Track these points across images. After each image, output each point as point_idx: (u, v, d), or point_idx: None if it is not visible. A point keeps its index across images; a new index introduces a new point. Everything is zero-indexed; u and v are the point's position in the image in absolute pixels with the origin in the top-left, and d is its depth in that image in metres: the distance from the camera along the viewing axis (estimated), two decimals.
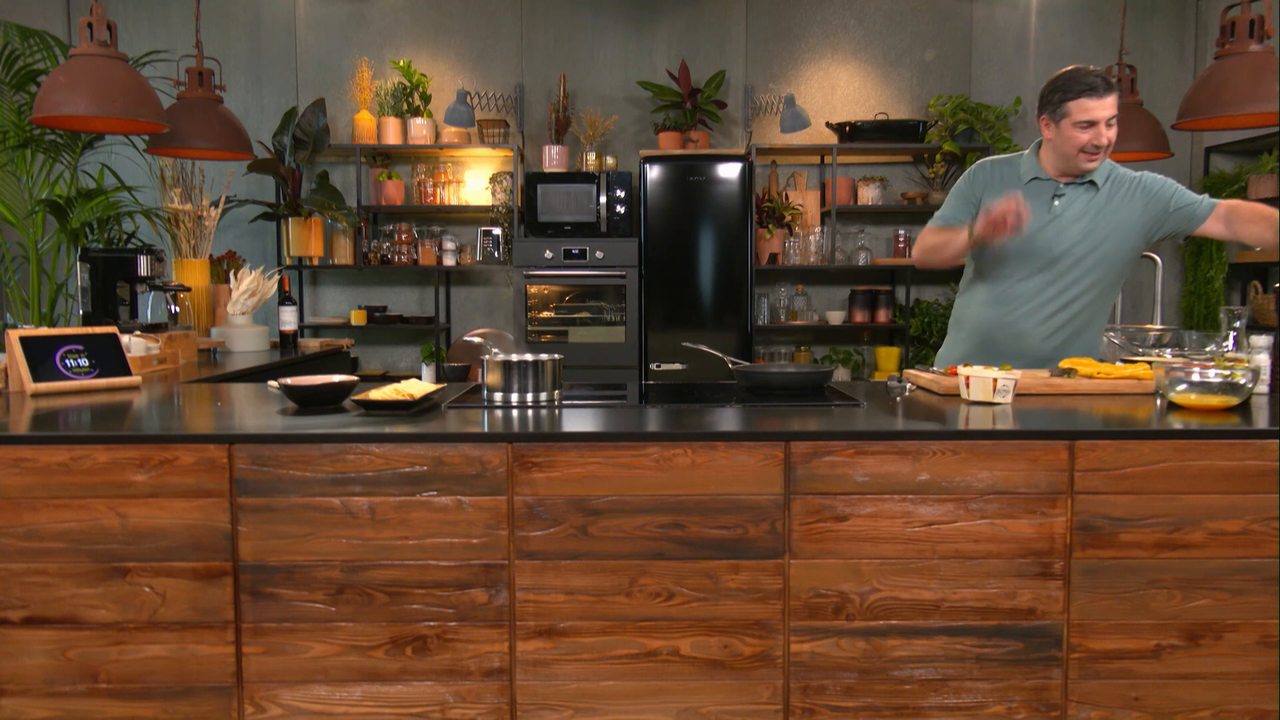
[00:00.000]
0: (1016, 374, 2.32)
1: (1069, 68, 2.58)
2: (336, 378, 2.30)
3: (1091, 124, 2.50)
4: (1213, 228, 2.60)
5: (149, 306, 3.64)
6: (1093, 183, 2.64)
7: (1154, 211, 2.62)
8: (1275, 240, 2.43)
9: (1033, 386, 2.43)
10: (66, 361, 2.53)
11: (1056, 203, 2.63)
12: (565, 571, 1.94)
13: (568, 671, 1.95)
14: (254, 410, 2.30)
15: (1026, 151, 2.75)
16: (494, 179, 5.57)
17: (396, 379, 2.75)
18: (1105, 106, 2.49)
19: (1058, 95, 2.53)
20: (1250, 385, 2.14)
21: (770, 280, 5.76)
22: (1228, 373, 2.12)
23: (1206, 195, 2.64)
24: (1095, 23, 5.62)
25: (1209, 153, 5.61)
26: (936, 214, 2.80)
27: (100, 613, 1.92)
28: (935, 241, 2.69)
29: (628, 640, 1.95)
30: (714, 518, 1.93)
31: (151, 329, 3.45)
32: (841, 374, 5.62)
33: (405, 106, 5.49)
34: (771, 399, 2.38)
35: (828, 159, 5.58)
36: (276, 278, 4.21)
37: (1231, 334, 2.52)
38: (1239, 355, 2.44)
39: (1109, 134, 2.53)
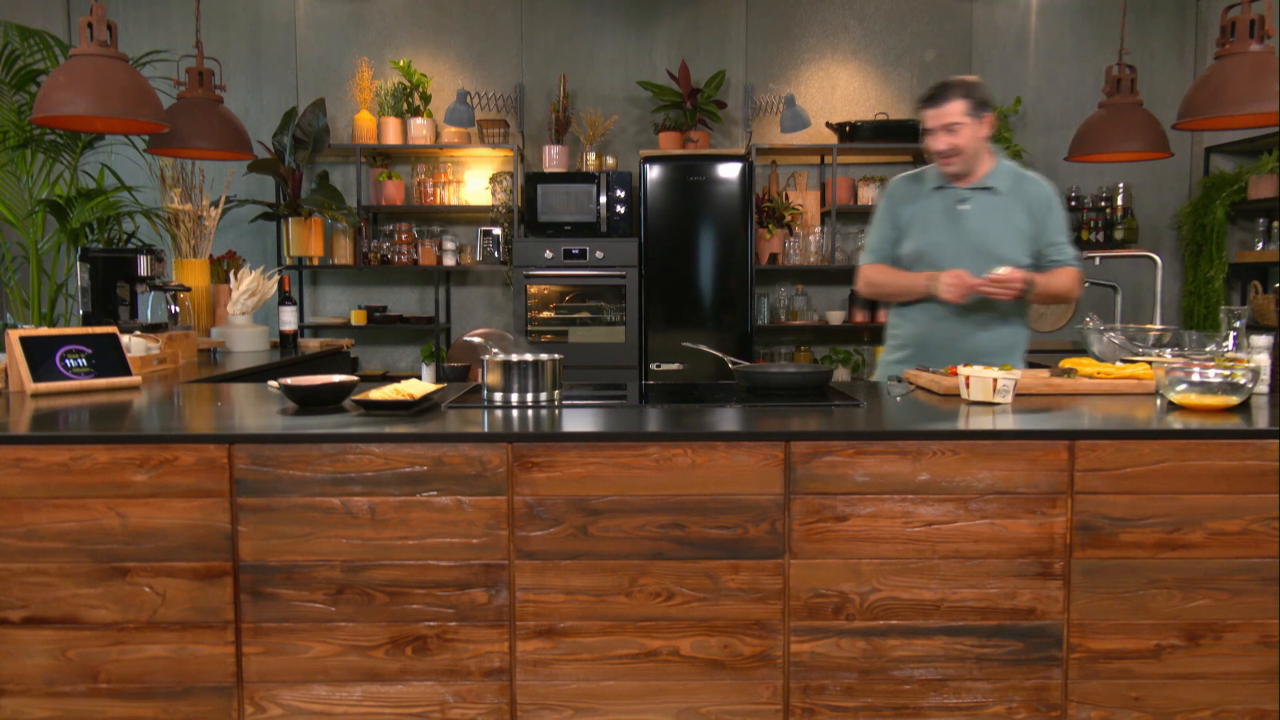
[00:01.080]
0: (1016, 374, 2.32)
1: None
2: (336, 378, 2.30)
3: (930, 130, 2.73)
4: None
5: (149, 306, 3.64)
6: (991, 188, 2.77)
7: (1032, 229, 2.76)
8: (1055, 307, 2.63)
9: (1033, 386, 2.43)
10: (66, 361, 2.53)
11: (960, 207, 2.78)
12: (565, 571, 1.94)
13: (568, 671, 1.95)
14: (254, 410, 2.30)
15: (931, 165, 2.90)
16: (494, 179, 5.57)
17: (396, 379, 2.75)
18: (940, 115, 2.70)
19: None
20: (1250, 385, 2.14)
21: (770, 280, 5.76)
22: (1228, 373, 2.12)
23: (1072, 251, 2.79)
24: (1095, 23, 5.62)
25: (1209, 153, 5.60)
26: (868, 244, 2.94)
27: (100, 613, 1.92)
28: (886, 287, 2.89)
29: (628, 640, 1.95)
30: (714, 518, 1.93)
31: (151, 329, 3.45)
32: (841, 374, 5.61)
33: (405, 106, 5.48)
34: (771, 399, 2.38)
35: (828, 159, 5.57)
36: (276, 278, 4.21)
37: (1231, 334, 2.52)
38: (1239, 355, 2.44)
39: (948, 139, 2.71)
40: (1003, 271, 2.59)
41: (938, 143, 2.72)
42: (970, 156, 2.75)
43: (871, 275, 2.88)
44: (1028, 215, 2.75)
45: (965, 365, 2.42)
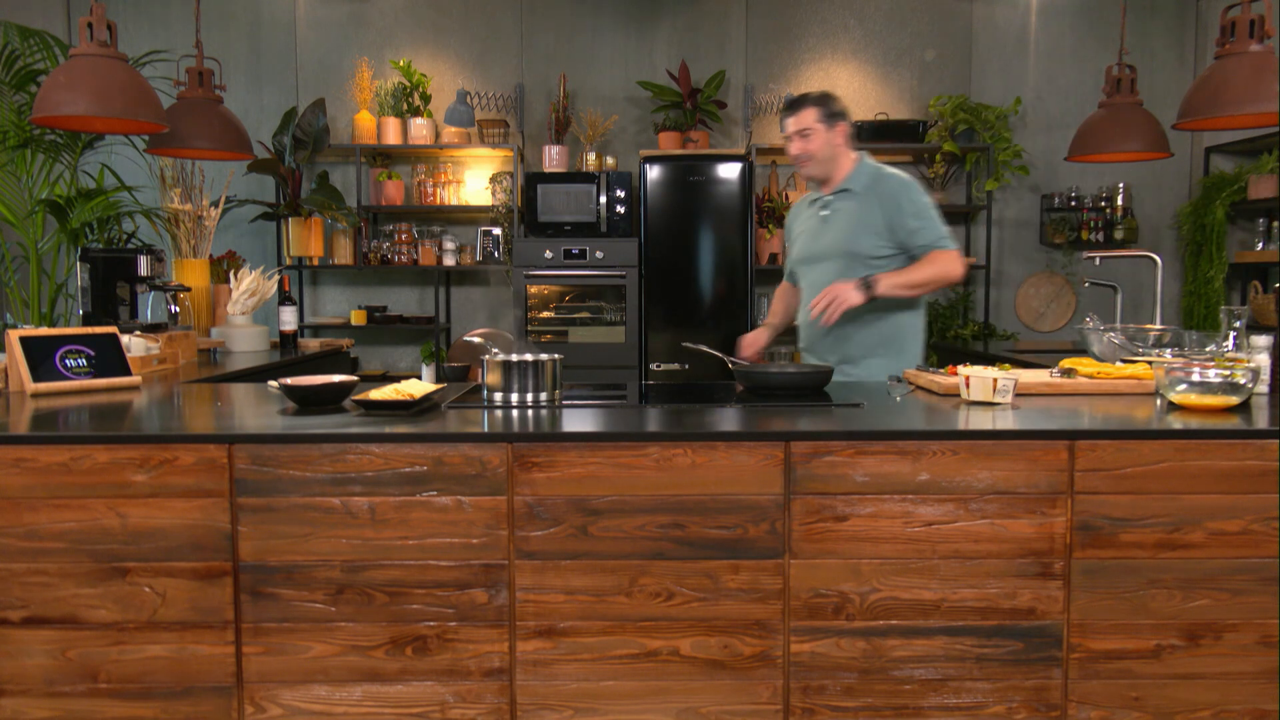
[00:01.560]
0: (1016, 374, 2.32)
1: None
2: (336, 378, 2.30)
3: (788, 138, 2.92)
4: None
5: (149, 306, 3.64)
6: (848, 189, 2.92)
7: (888, 222, 2.84)
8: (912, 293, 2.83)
9: (1033, 386, 2.43)
10: (66, 361, 2.53)
11: (823, 212, 2.98)
12: (565, 571, 1.94)
13: (568, 671, 1.95)
14: (254, 410, 2.30)
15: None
16: (494, 179, 5.57)
17: (396, 379, 2.75)
18: (795, 122, 2.89)
19: None
20: (1250, 385, 2.13)
21: (770, 280, 5.75)
22: (1228, 373, 2.12)
23: (938, 232, 2.83)
24: (1095, 23, 5.62)
25: (1209, 153, 5.61)
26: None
27: (100, 613, 1.92)
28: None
29: (628, 640, 1.95)
30: (714, 518, 1.93)
31: (151, 329, 3.45)
32: None
33: (405, 106, 5.48)
34: (771, 399, 2.38)
35: None
36: (276, 278, 4.21)
37: (1231, 334, 2.52)
38: (1239, 355, 2.44)
39: (802, 144, 2.89)
40: (820, 302, 2.73)
41: (793, 148, 2.91)
42: (824, 161, 2.91)
43: (776, 293, 3.30)
44: (882, 210, 2.84)
45: (965, 365, 2.42)
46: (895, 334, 2.94)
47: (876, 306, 2.82)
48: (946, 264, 2.79)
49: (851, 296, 2.70)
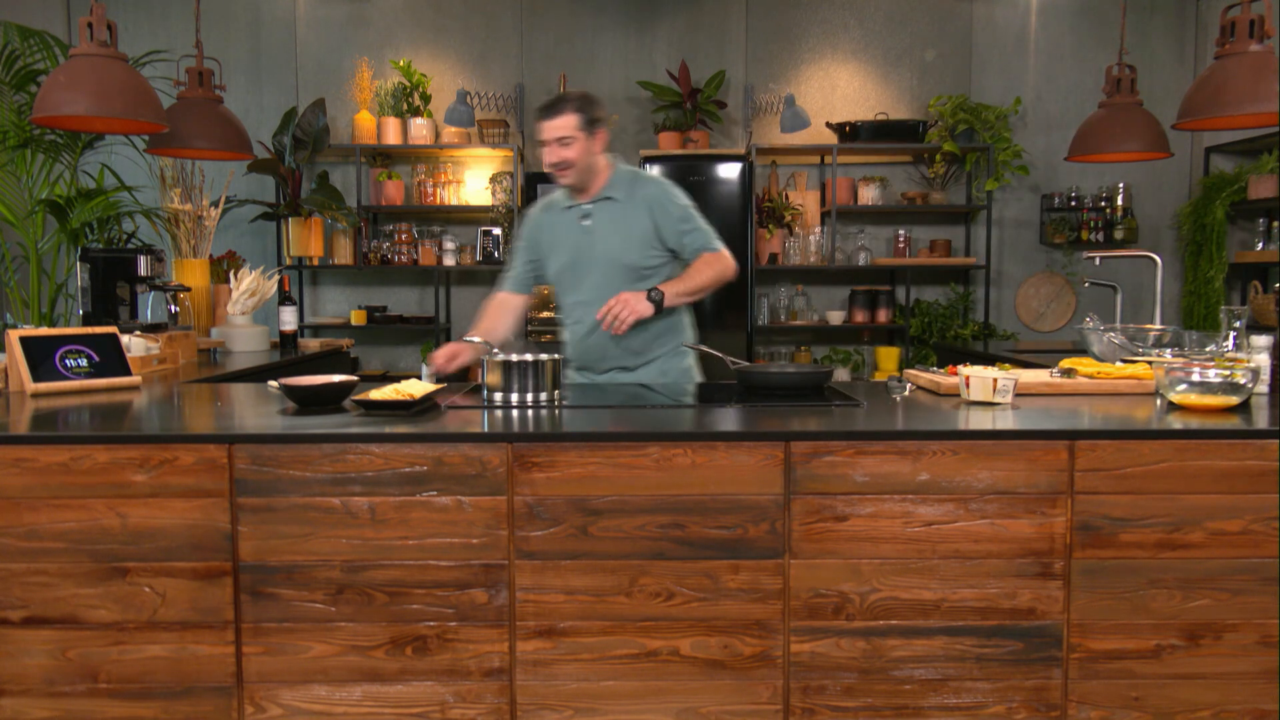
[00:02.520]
0: (1016, 374, 2.32)
1: None
2: (336, 378, 2.30)
3: (544, 143, 2.73)
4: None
5: (149, 306, 3.64)
6: (610, 197, 2.80)
7: (654, 228, 2.78)
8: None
9: (1033, 386, 2.43)
10: (66, 361, 2.53)
11: (584, 221, 2.81)
12: (565, 571, 1.94)
13: (568, 671, 1.95)
14: (254, 410, 2.30)
15: (560, 189, 2.90)
16: (494, 179, 5.57)
17: (396, 379, 2.75)
18: (553, 128, 2.70)
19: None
20: (1250, 385, 2.13)
21: (770, 280, 5.76)
22: (1228, 373, 2.12)
23: (704, 235, 2.79)
24: (1095, 23, 5.62)
25: (1209, 153, 5.61)
26: (507, 271, 2.97)
27: (100, 613, 1.92)
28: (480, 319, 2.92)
29: (628, 640, 1.95)
30: (714, 518, 1.93)
31: (151, 329, 3.45)
32: (841, 374, 5.61)
33: (405, 106, 5.48)
34: (771, 399, 2.38)
35: (828, 159, 5.57)
36: (276, 278, 4.21)
37: (1231, 334, 2.52)
38: (1239, 355, 2.44)
39: (561, 152, 2.71)
40: (609, 309, 2.61)
41: (551, 155, 2.74)
42: (584, 170, 2.77)
43: (486, 304, 2.97)
44: (648, 216, 2.78)
45: (967, 365, 2.42)
46: (670, 329, 2.87)
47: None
48: (721, 266, 2.78)
49: (642, 307, 2.62)
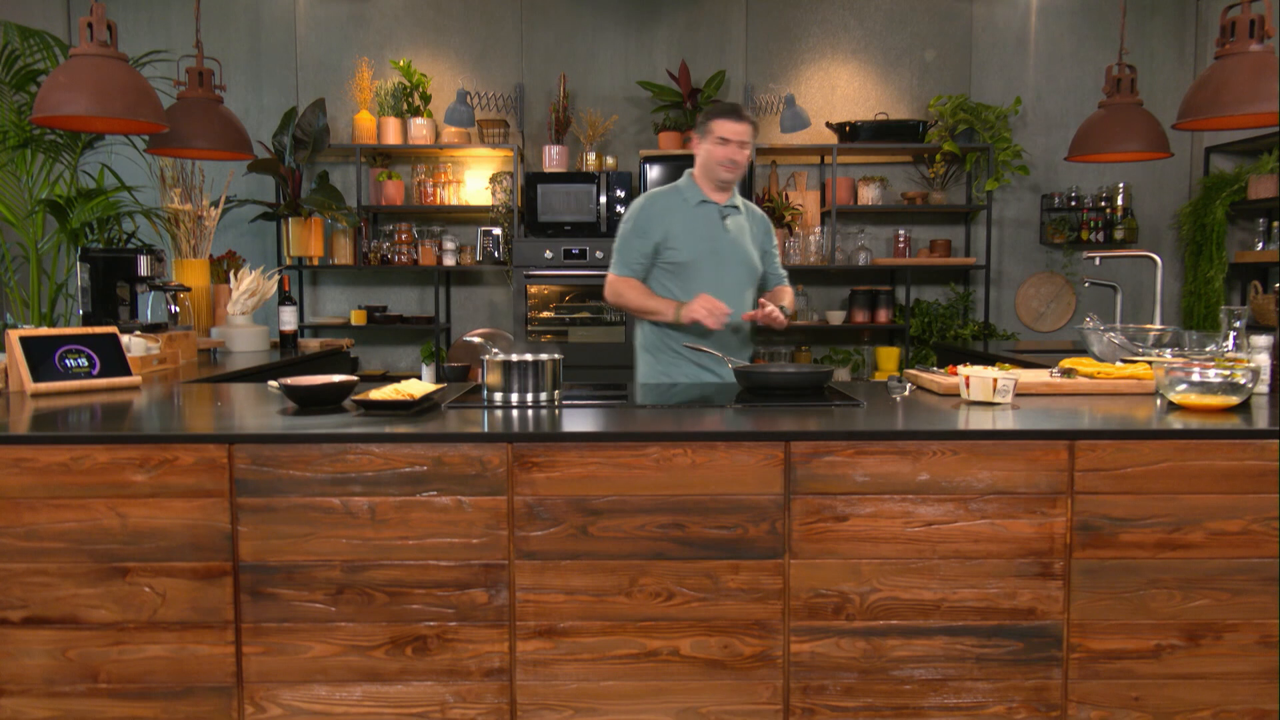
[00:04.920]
0: (1016, 374, 2.32)
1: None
2: (336, 378, 2.30)
3: (727, 141, 2.93)
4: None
5: (149, 306, 3.64)
6: (737, 207, 3.08)
7: (763, 245, 3.16)
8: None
9: (1033, 386, 2.43)
10: (66, 361, 2.53)
11: (725, 222, 3.03)
12: (565, 571, 1.94)
13: (568, 671, 1.95)
14: (254, 410, 2.30)
15: (681, 180, 3.10)
16: (494, 179, 5.57)
17: (396, 379, 2.75)
18: (740, 130, 2.93)
19: (705, 116, 3.00)
20: (1250, 385, 2.14)
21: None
22: (1228, 373, 2.12)
23: (783, 271, 3.26)
24: (1095, 23, 5.62)
25: (1209, 153, 5.60)
26: (619, 259, 3.07)
27: (100, 613, 1.92)
28: (633, 304, 3.05)
29: (628, 640, 1.95)
30: (714, 518, 1.93)
31: (151, 329, 3.45)
32: (841, 374, 5.61)
33: (405, 106, 5.48)
34: (771, 399, 2.38)
35: (828, 159, 5.57)
36: (276, 278, 4.21)
37: (1231, 334, 2.52)
38: (1239, 355, 2.44)
39: (742, 153, 2.95)
40: (773, 310, 2.90)
41: (732, 153, 2.93)
42: (741, 176, 3.03)
43: (621, 288, 3.07)
44: (763, 233, 3.17)
45: (965, 365, 2.42)
46: (746, 340, 3.18)
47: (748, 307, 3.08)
48: (791, 294, 3.21)
49: (783, 321, 2.94)
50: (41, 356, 2.49)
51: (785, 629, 1.96)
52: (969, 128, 5.42)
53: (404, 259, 5.58)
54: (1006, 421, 2.05)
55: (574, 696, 1.96)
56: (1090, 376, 2.51)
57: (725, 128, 2.93)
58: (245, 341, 3.95)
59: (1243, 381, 2.12)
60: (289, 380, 2.26)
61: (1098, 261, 3.94)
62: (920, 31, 5.66)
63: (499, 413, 2.18)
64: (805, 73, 5.69)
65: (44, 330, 2.55)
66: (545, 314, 5.25)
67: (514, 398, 2.26)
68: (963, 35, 5.67)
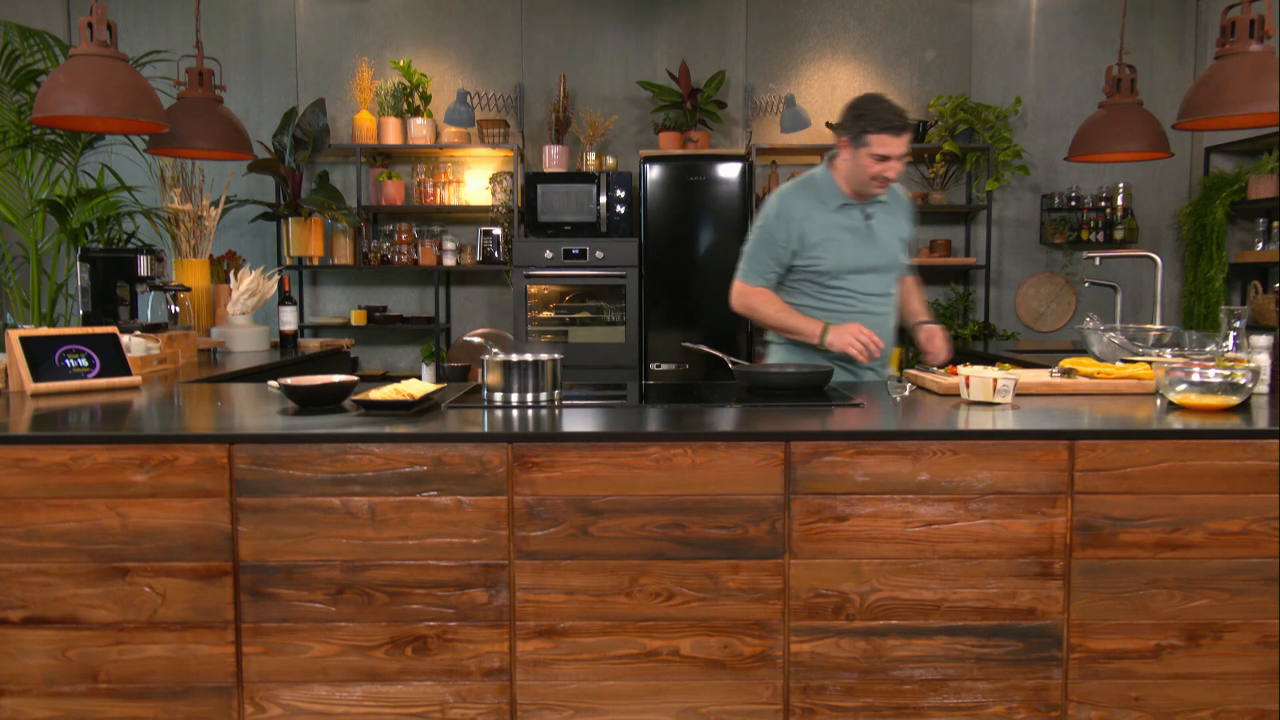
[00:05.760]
0: (1017, 374, 2.32)
1: (874, 97, 2.76)
2: (336, 378, 2.30)
3: (885, 158, 2.68)
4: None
5: (149, 306, 3.64)
6: (882, 200, 2.87)
7: (910, 234, 2.96)
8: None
9: (1033, 386, 2.43)
10: (66, 361, 2.53)
11: (870, 221, 2.83)
12: (565, 571, 1.94)
13: (568, 671, 1.95)
14: (254, 410, 2.30)
15: (818, 174, 2.87)
16: (494, 179, 5.57)
17: (396, 379, 2.75)
18: (900, 145, 2.67)
19: (861, 124, 2.69)
20: (1250, 385, 2.13)
21: None
22: (1228, 373, 2.12)
23: (905, 257, 2.96)
24: (1095, 23, 5.62)
25: (1209, 153, 5.60)
26: (750, 265, 2.88)
27: (100, 613, 1.92)
28: (769, 320, 2.89)
29: (628, 640, 1.95)
30: (714, 518, 1.93)
31: (151, 329, 3.45)
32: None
33: (405, 106, 5.48)
34: (771, 399, 2.38)
35: None
36: (276, 278, 4.21)
37: (1231, 334, 2.52)
38: (1239, 355, 2.44)
39: (899, 169, 2.72)
40: (936, 356, 2.87)
41: (890, 171, 2.70)
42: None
43: (754, 301, 2.89)
44: (906, 222, 2.94)
45: (966, 365, 2.42)
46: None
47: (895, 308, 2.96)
48: (920, 295, 3.06)
49: (943, 358, 2.88)
50: (41, 356, 2.49)
51: (785, 629, 1.96)
52: (969, 128, 5.42)
53: (404, 259, 5.58)
54: (1006, 421, 2.05)
55: (574, 696, 1.96)
56: (1090, 376, 2.51)
57: (885, 144, 2.64)
58: (245, 341, 3.95)
59: (1243, 381, 2.12)
60: (289, 380, 2.26)
61: (1098, 261, 3.94)
62: (920, 31, 5.66)
63: (499, 413, 2.18)
64: (805, 73, 5.69)
65: (44, 330, 2.56)
66: (545, 314, 5.25)
67: (514, 398, 2.26)
68: (963, 35, 5.67)
